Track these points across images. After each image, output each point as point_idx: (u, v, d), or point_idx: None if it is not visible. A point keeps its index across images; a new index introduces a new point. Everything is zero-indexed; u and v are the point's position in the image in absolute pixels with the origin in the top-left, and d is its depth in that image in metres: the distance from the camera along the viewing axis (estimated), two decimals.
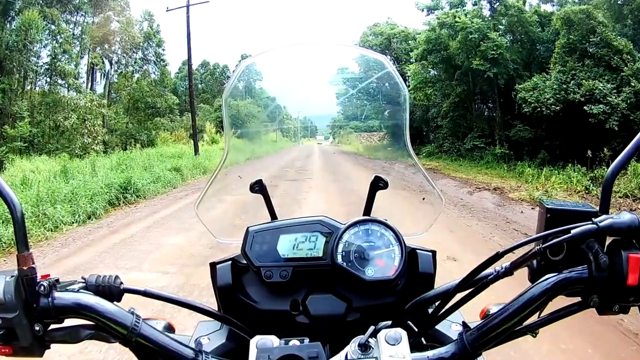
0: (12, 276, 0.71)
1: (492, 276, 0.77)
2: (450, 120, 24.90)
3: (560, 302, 0.78)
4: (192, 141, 24.78)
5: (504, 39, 21.47)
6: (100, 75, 33.76)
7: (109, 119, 29.63)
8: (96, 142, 25.26)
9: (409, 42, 31.62)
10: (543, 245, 0.71)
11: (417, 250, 1.11)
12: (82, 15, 29.91)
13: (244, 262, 1.09)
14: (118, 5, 32.52)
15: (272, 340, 0.81)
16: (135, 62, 34.17)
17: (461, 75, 23.66)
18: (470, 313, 1.01)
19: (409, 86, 24.46)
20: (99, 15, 31.32)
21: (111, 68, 33.76)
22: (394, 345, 0.74)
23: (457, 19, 21.87)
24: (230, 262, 1.11)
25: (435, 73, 25.93)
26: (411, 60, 28.26)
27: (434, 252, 1.12)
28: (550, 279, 0.74)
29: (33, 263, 0.72)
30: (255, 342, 0.79)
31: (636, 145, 0.74)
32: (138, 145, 26.07)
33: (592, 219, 0.71)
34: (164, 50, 35.59)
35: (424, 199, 1.29)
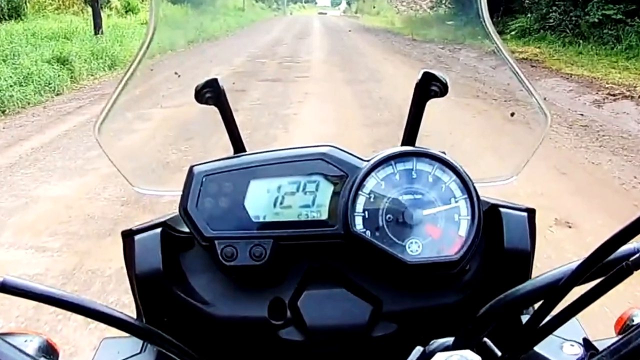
0: None
1: (637, 256, 0.74)
2: None
3: None
4: (90, 10, 24.49)
5: None
6: None
7: None
8: None
9: None
10: None
11: (502, 209, 1.11)
12: None
13: (185, 230, 1.10)
14: None
15: None
16: None
17: None
18: (597, 323, 1.00)
19: None
20: None
21: None
22: None
23: None
24: (159, 230, 1.11)
25: None
26: None
27: (531, 212, 1.11)
28: None
29: None
30: None
31: None
32: None
33: None
34: None
35: (513, 114, 1.27)
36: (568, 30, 23.72)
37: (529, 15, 26.63)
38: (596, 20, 22.39)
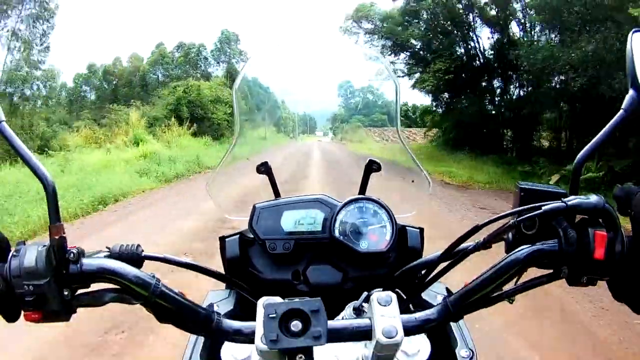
0: (44, 246, 0.69)
1: (471, 247, 0.79)
2: None
3: (535, 273, 0.78)
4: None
5: None
6: None
7: None
8: None
9: None
10: (517, 219, 0.72)
11: (407, 227, 1.11)
12: None
13: (251, 236, 1.08)
14: None
15: (277, 300, 0.81)
16: None
17: None
18: (456, 287, 1.01)
19: None
20: None
21: None
22: (385, 306, 0.72)
23: None
24: (238, 236, 1.11)
25: None
26: None
27: (421, 229, 1.12)
28: (523, 250, 0.73)
29: (63, 233, 0.70)
30: (262, 302, 0.78)
31: (607, 132, 0.74)
32: None
33: (562, 199, 0.72)
34: None
35: (413, 181, 1.28)
36: None
37: None
38: None
